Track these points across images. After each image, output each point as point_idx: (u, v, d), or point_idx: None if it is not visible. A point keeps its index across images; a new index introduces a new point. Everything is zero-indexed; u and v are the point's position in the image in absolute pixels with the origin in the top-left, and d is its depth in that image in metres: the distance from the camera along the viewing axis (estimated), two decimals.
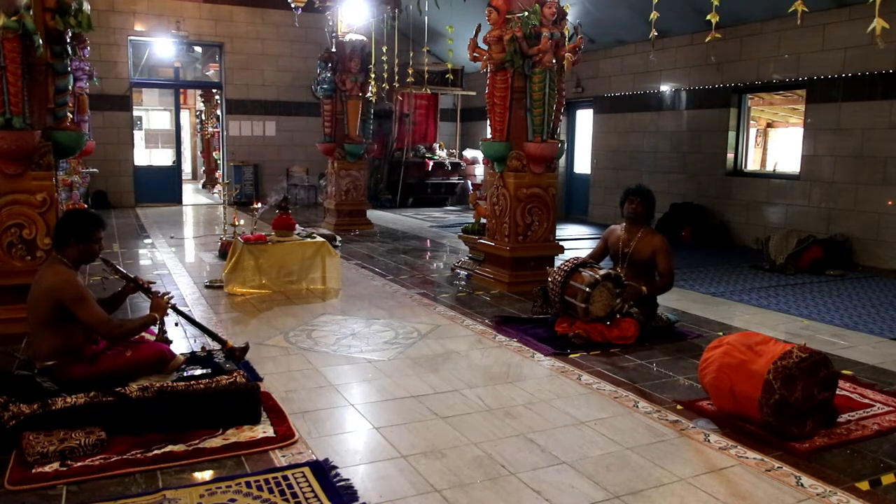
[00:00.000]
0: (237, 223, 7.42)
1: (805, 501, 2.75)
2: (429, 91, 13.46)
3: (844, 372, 4.23)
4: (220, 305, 5.85)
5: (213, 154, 17.46)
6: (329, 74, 10.67)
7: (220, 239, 8.15)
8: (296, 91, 14.57)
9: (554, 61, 6.30)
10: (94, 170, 12.06)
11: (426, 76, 11.09)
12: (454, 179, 15.25)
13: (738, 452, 3.16)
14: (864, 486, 2.86)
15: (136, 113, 16.16)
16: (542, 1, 6.27)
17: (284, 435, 3.21)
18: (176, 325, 4.10)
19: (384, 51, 9.11)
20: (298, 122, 14.74)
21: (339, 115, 10.81)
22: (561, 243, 6.96)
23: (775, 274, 7.73)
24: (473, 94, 14.74)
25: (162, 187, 14.14)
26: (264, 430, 3.27)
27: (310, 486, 2.77)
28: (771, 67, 9.29)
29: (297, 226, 6.86)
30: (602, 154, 12.41)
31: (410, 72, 9.94)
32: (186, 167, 19.95)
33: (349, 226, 10.73)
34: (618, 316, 4.80)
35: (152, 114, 20.29)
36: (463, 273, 7.33)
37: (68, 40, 5.00)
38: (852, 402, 3.75)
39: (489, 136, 6.82)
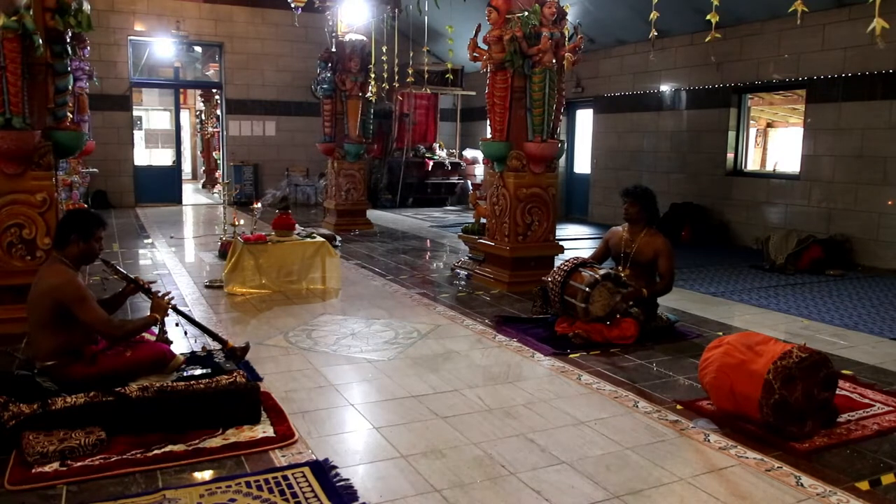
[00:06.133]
0: (237, 223, 7.42)
1: (805, 501, 2.75)
2: (429, 91, 13.46)
3: (844, 372, 4.23)
4: (220, 305, 5.85)
5: (213, 154, 17.46)
6: (329, 74, 10.67)
7: (220, 239, 8.15)
8: (296, 91, 14.58)
9: (554, 61, 6.30)
10: (94, 170, 12.07)
11: (426, 76, 11.10)
12: (454, 179, 15.24)
13: (738, 452, 3.16)
14: (864, 485, 2.86)
15: (136, 113, 16.15)
16: (542, 1, 6.27)
17: (284, 435, 3.21)
18: (176, 325, 4.10)
19: (384, 51, 9.11)
20: (298, 122, 14.75)
21: (339, 115, 10.82)
22: (561, 243, 6.96)
23: (775, 274, 7.73)
24: (473, 94, 14.74)
25: (162, 187, 14.13)
26: (264, 429, 3.27)
27: (310, 486, 2.77)
28: (771, 67, 9.29)
29: (297, 226, 6.86)
30: (602, 154, 12.41)
31: (410, 72, 9.93)
32: (186, 167, 19.94)
33: (349, 226, 10.73)
34: (618, 316, 4.80)
35: (152, 114, 20.28)
36: (463, 273, 7.33)
37: (68, 40, 5.00)
38: (852, 402, 3.75)
39: (489, 136, 6.82)
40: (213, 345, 4.02)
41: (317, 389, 3.90)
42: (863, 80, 8.19)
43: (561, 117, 6.76)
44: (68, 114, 5.23)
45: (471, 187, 11.47)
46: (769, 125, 13.14)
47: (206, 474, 2.88)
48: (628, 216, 5.13)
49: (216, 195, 15.58)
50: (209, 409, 3.26)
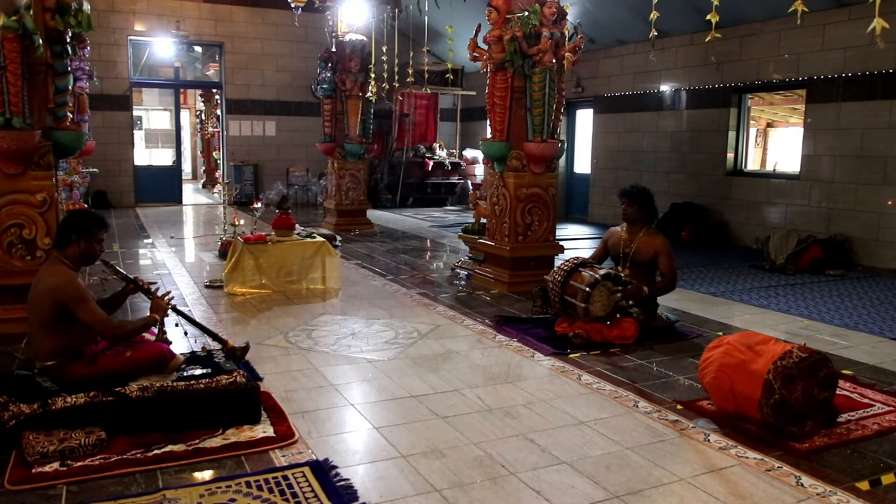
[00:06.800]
0: (237, 223, 7.42)
1: (805, 501, 2.75)
2: (429, 91, 13.46)
3: (844, 372, 4.23)
4: (220, 305, 5.85)
5: (213, 154, 17.46)
6: (329, 74, 10.67)
7: (220, 239, 8.15)
8: (296, 91, 14.58)
9: (554, 61, 6.30)
10: (94, 170, 12.07)
11: (426, 76, 11.09)
12: (454, 179, 15.24)
13: (738, 452, 3.16)
14: (864, 485, 2.86)
15: (136, 113, 16.15)
16: (542, 1, 6.27)
17: (284, 435, 3.21)
18: (176, 325, 4.09)
19: (384, 51, 9.11)
20: (298, 122, 14.75)
21: (339, 115, 10.82)
22: (561, 243, 6.96)
23: (775, 274, 7.73)
24: (473, 94, 14.74)
25: (162, 187, 14.13)
26: (264, 429, 3.27)
27: (310, 485, 2.77)
28: (771, 67, 9.29)
29: (297, 226, 6.86)
30: (602, 154, 12.41)
31: (410, 72, 9.94)
32: (186, 167, 19.94)
33: (349, 226, 10.73)
34: (618, 316, 4.80)
35: (152, 114, 20.28)
36: (463, 273, 7.34)
37: (68, 40, 5.00)
38: (852, 402, 3.75)
39: (489, 136, 6.82)
40: (213, 345, 4.02)
41: (317, 389, 3.90)
42: (863, 80, 8.19)
43: (561, 117, 6.76)
44: (68, 114, 5.22)
45: (471, 187, 11.47)
46: (769, 125, 13.13)
47: (206, 474, 2.88)
48: (626, 216, 5.14)
49: (216, 195, 15.58)
50: (209, 409, 3.26)
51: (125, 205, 13.45)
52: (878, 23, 3.21)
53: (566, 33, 6.47)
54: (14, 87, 4.55)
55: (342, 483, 2.81)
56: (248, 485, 2.77)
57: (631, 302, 4.86)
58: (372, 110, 11.02)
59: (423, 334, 5.03)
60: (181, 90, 17.06)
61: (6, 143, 4.59)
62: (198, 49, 16.23)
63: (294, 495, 2.70)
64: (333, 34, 11.29)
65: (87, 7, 5.01)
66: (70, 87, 5.14)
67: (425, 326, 5.23)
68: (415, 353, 4.58)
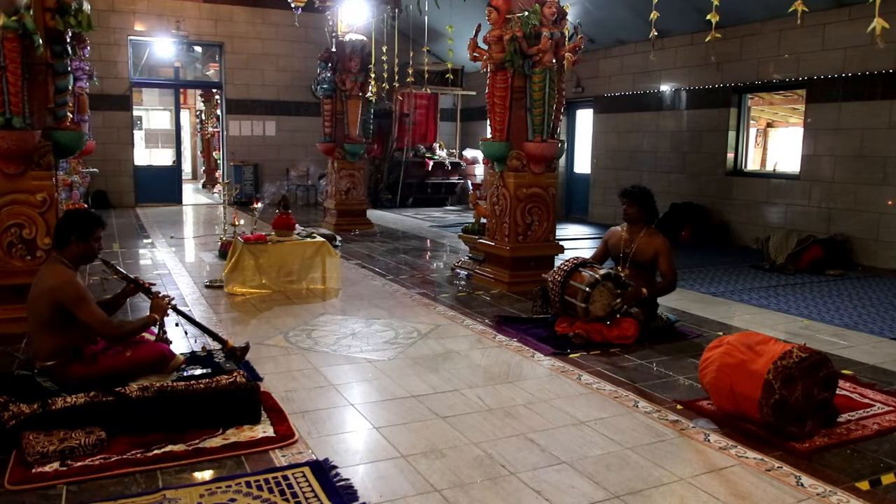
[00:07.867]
0: (237, 223, 7.42)
1: (805, 501, 2.75)
2: (429, 91, 13.47)
3: (844, 372, 4.23)
4: (220, 305, 5.85)
5: (213, 154, 17.46)
6: (329, 74, 10.67)
7: (220, 239, 8.15)
8: (296, 91, 14.58)
9: (554, 61, 6.30)
10: (94, 170, 12.07)
11: (426, 76, 11.10)
12: (454, 179, 15.25)
13: (738, 452, 3.16)
14: (864, 485, 2.86)
15: (136, 113, 16.15)
16: (542, 1, 6.27)
17: (284, 435, 3.21)
18: (176, 325, 4.09)
19: (384, 51, 9.11)
20: (298, 122, 14.76)
21: (339, 115, 10.82)
22: (561, 243, 6.96)
23: (775, 274, 7.73)
24: (473, 94, 14.75)
25: (162, 187, 14.13)
26: (264, 429, 3.27)
27: (310, 485, 2.77)
28: (771, 67, 9.29)
29: (297, 226, 6.86)
30: (602, 154, 12.41)
31: (410, 72, 9.95)
32: (186, 167, 19.94)
33: (349, 226, 10.73)
34: (618, 316, 4.80)
35: (152, 114, 20.28)
36: (463, 273, 7.33)
37: (68, 40, 5.00)
38: (852, 402, 3.75)
39: (489, 135, 6.82)
40: (213, 345, 4.02)
41: (317, 389, 3.90)
42: (863, 80, 8.19)
43: (561, 117, 6.76)
44: (68, 114, 5.23)
45: (471, 187, 11.46)
46: (769, 125, 13.14)
47: (206, 474, 2.88)
48: (627, 216, 5.14)
49: (216, 195, 15.58)
50: (209, 409, 3.26)
51: (125, 205, 13.45)
52: (878, 23, 3.21)
53: (566, 33, 6.47)
54: (14, 87, 4.55)
55: (342, 483, 2.81)
56: (248, 485, 2.77)
57: (631, 303, 4.85)
58: (372, 110, 11.03)
59: (423, 334, 5.03)
60: (181, 90, 17.06)
61: (6, 143, 4.60)
62: (198, 49, 16.23)
63: (294, 495, 2.70)
64: (333, 34, 11.29)
65: (87, 7, 5.01)
66: (70, 87, 5.14)
67: (425, 326, 5.23)
68: (415, 353, 4.58)
